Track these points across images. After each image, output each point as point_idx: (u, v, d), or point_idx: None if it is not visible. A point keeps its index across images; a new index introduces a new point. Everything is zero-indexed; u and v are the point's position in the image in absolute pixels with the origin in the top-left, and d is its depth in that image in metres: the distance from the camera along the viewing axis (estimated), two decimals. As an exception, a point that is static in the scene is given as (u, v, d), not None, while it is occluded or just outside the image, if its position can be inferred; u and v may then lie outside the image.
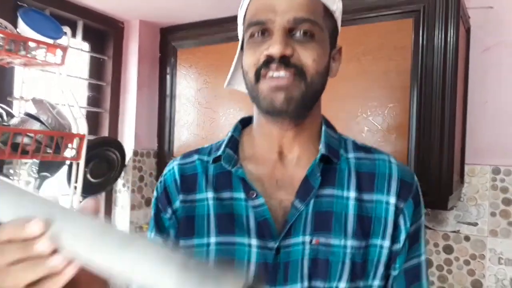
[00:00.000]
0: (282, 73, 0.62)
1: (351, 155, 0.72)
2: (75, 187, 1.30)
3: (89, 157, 1.51)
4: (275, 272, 0.66)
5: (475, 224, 1.46)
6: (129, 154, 1.82)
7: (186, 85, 1.77)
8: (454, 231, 1.49)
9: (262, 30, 0.65)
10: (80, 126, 1.29)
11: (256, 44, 0.65)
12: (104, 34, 1.86)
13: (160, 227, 0.76)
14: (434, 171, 1.20)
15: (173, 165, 0.78)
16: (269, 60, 0.63)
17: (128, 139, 1.85)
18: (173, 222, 0.74)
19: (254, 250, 0.67)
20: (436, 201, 1.20)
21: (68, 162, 1.40)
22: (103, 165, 1.68)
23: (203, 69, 1.72)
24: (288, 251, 0.66)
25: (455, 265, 1.49)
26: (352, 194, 0.68)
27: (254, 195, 0.68)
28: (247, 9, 0.69)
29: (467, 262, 1.47)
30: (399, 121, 1.27)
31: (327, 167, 0.69)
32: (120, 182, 1.83)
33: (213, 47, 1.68)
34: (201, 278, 0.41)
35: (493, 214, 1.43)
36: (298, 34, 0.64)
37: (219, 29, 1.65)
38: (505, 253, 1.41)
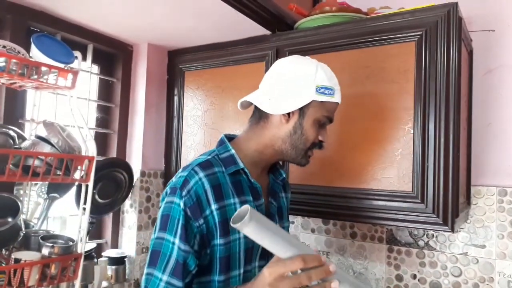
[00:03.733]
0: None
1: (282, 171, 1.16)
2: (84, 209, 1.31)
3: (97, 178, 1.53)
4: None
5: (483, 247, 1.45)
6: (136, 174, 1.84)
7: (193, 107, 1.80)
8: (462, 253, 1.48)
9: (326, 122, 1.04)
10: (89, 148, 1.31)
11: (319, 127, 1.03)
12: (113, 57, 1.90)
13: (188, 233, 0.91)
14: (440, 193, 1.20)
15: (199, 177, 0.94)
16: (321, 143, 1.06)
17: (135, 160, 1.87)
18: (203, 228, 0.92)
19: None
20: (443, 223, 1.19)
21: (77, 183, 1.42)
22: (111, 186, 1.70)
23: (210, 91, 1.75)
24: None
25: None
26: (283, 194, 1.17)
27: (259, 198, 1.03)
28: (329, 101, 1.02)
29: (476, 285, 1.45)
30: (403, 143, 1.28)
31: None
32: (127, 202, 1.85)
33: (219, 70, 1.71)
34: None
35: (500, 236, 1.42)
36: None
37: (224, 53, 1.69)
38: (514, 276, 1.39)
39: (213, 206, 0.93)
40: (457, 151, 1.22)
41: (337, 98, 1.03)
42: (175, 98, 1.86)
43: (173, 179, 0.98)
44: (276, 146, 1.03)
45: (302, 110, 1.00)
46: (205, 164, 0.98)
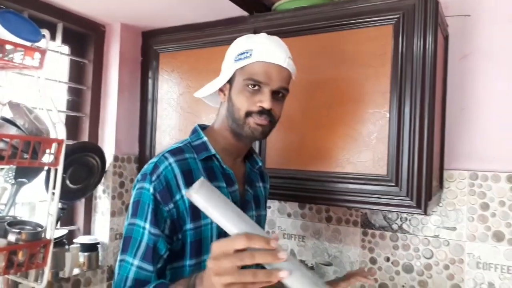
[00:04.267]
0: (264, 120, 0.98)
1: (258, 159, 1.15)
2: (53, 193, 1.27)
3: (68, 163, 1.48)
4: None
5: (454, 229, 1.48)
6: (109, 159, 1.79)
7: (168, 90, 1.75)
8: (434, 236, 1.51)
9: (255, 85, 0.96)
10: (58, 131, 1.26)
11: (250, 93, 0.97)
12: (85, 37, 1.83)
13: (158, 217, 0.90)
14: (414, 176, 1.22)
15: (169, 162, 0.94)
16: (261, 110, 0.97)
17: (108, 144, 1.82)
18: (173, 212, 0.91)
19: None
20: (416, 206, 1.21)
21: (46, 168, 1.37)
22: (82, 171, 1.65)
23: (185, 74, 1.71)
24: None
25: (435, 269, 1.50)
26: (260, 184, 1.17)
27: (232, 184, 1.02)
28: (248, 64, 0.97)
29: (446, 267, 1.49)
30: (379, 127, 1.28)
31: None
32: (100, 188, 1.80)
33: (195, 51, 1.67)
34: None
35: (470, 219, 1.45)
36: (278, 95, 0.99)
37: (200, 34, 1.65)
38: (483, 258, 1.43)
39: (184, 192, 0.92)
40: (431, 135, 1.23)
41: (256, 57, 0.96)
42: (150, 81, 1.81)
43: (145, 166, 0.97)
44: (227, 126, 1.02)
45: (230, 83, 1.01)
46: (176, 151, 0.98)
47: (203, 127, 1.08)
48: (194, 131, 1.07)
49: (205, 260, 0.96)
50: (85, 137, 1.81)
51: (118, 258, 0.93)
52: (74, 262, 1.62)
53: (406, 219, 1.56)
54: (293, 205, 1.78)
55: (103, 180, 1.76)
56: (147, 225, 0.89)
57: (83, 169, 1.65)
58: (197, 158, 0.99)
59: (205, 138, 1.03)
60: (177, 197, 0.92)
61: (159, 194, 0.90)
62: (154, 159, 0.97)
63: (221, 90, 1.05)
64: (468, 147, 1.48)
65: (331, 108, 1.36)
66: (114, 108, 1.82)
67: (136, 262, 0.89)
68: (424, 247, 1.52)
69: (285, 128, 1.41)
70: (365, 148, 1.31)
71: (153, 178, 0.92)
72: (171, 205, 0.91)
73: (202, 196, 0.68)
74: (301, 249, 1.75)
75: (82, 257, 1.69)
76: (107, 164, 1.76)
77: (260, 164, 1.15)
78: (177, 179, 0.93)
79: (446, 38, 1.51)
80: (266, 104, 0.96)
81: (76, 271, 1.65)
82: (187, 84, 1.70)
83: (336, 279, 1.35)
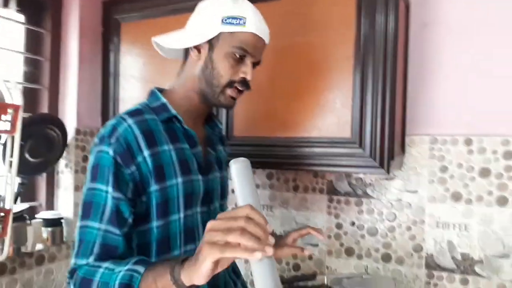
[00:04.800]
0: (239, 93, 1.00)
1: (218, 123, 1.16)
2: (11, 163, 1.22)
3: (26, 135, 1.42)
4: (210, 197, 1.04)
5: (415, 192, 1.53)
6: (71, 133, 1.73)
7: (131, 60, 1.71)
8: (396, 200, 1.56)
9: (243, 55, 0.96)
10: (14, 96, 1.21)
11: (235, 62, 0.97)
12: (42, 5, 1.74)
13: (120, 181, 0.87)
14: (376, 138, 1.25)
15: (128, 123, 0.91)
16: (243, 81, 0.98)
17: (69, 117, 1.76)
18: (135, 175, 0.89)
19: (201, 183, 1.00)
20: (379, 166, 1.24)
21: (2, 136, 1.31)
22: (42, 144, 1.59)
23: (149, 44, 1.65)
24: (213, 182, 1.06)
25: (398, 231, 1.56)
26: (221, 147, 1.15)
27: (195, 145, 1.01)
28: (240, 31, 0.95)
29: (408, 228, 1.54)
30: (343, 92, 1.30)
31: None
32: (62, 162, 1.75)
33: (159, 20, 1.62)
34: None
35: (431, 182, 1.51)
36: (254, 67, 1.01)
37: (164, 1, 1.61)
38: (442, 218, 1.49)
39: (145, 153, 0.90)
40: (393, 98, 1.27)
41: (250, 27, 0.96)
42: (111, 52, 1.76)
43: (101, 129, 0.93)
44: (196, 87, 1.00)
45: (211, 43, 0.97)
46: (134, 112, 0.95)
47: (161, 90, 1.05)
48: (152, 94, 1.03)
49: (174, 220, 0.95)
50: (44, 110, 1.74)
51: (79, 224, 0.88)
52: (37, 237, 1.58)
53: (370, 184, 1.60)
54: (261, 176, 1.79)
55: (65, 154, 1.71)
56: (110, 189, 0.86)
57: (43, 142, 1.59)
58: (157, 119, 0.96)
59: (164, 100, 0.99)
60: (139, 158, 0.89)
61: (120, 156, 0.87)
62: (111, 121, 0.93)
63: (196, 48, 0.99)
64: (428, 113, 1.53)
65: (297, 74, 1.37)
66: (75, 80, 1.76)
67: (102, 226, 0.86)
68: (388, 210, 1.57)
69: (253, 96, 1.40)
70: (330, 113, 1.32)
71: (112, 140, 0.88)
72: (133, 168, 0.88)
73: (241, 169, 0.73)
74: (269, 218, 1.77)
75: (46, 232, 1.64)
76: (69, 138, 1.71)
77: (221, 127, 1.15)
78: (138, 141, 0.90)
79: (407, 7, 1.54)
80: (249, 76, 0.98)
81: (39, 246, 1.60)
82: (150, 54, 1.66)
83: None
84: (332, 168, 1.33)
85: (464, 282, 1.46)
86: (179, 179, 0.94)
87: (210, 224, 0.66)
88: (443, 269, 1.50)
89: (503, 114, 1.42)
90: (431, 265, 1.51)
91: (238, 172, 0.73)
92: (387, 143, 1.25)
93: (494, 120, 1.43)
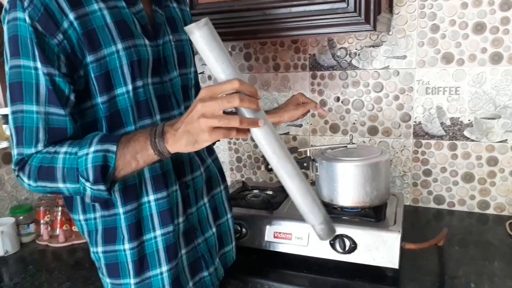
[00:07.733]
0: None
1: None
2: None
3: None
4: (163, 65, 0.89)
5: (404, 57, 1.42)
6: None
7: None
8: (383, 68, 1.45)
9: None
10: None
11: None
12: None
13: (47, 53, 0.73)
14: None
15: None
16: None
17: None
18: (65, 45, 0.74)
19: (149, 49, 0.84)
20: (364, 22, 1.10)
21: None
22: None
23: None
24: (164, 48, 0.89)
25: (385, 102, 1.48)
26: (174, 3, 0.98)
27: (134, 2, 0.83)
28: None
29: (396, 97, 1.46)
30: None
31: None
32: None
33: None
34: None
35: (420, 44, 1.39)
36: None
37: None
38: (432, 82, 1.40)
39: (71, 16, 0.74)
40: None
41: None
42: None
43: None
44: None
45: None
46: None
47: None
48: None
49: (121, 94, 0.81)
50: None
51: (10, 110, 0.75)
52: None
53: (355, 54, 1.48)
54: (238, 57, 1.65)
55: None
56: (38, 64, 0.73)
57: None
58: None
59: None
60: (65, 25, 0.73)
61: (39, 23, 0.72)
62: None
63: None
64: (419, -35, 1.35)
65: None
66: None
67: (41, 109, 0.74)
68: (374, 80, 1.47)
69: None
70: (308, -34, 1.15)
71: (25, 4, 0.71)
72: (60, 37, 0.73)
73: (205, 35, 0.64)
74: (250, 102, 1.67)
75: None
76: None
77: None
78: (58, 1, 0.73)
79: None
80: None
81: None
82: None
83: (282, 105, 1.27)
84: (313, 31, 1.18)
85: (452, 147, 1.42)
86: (119, 45, 0.78)
87: (201, 107, 0.65)
88: (432, 136, 1.44)
89: (503, -42, 1.25)
90: (419, 134, 1.46)
91: (205, 38, 0.64)
92: (374, -4, 1.09)
93: (492, -34, 1.27)
